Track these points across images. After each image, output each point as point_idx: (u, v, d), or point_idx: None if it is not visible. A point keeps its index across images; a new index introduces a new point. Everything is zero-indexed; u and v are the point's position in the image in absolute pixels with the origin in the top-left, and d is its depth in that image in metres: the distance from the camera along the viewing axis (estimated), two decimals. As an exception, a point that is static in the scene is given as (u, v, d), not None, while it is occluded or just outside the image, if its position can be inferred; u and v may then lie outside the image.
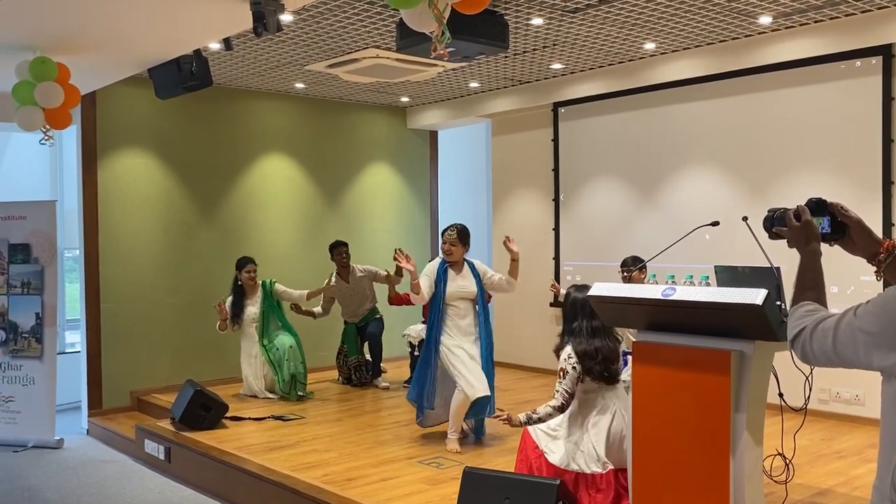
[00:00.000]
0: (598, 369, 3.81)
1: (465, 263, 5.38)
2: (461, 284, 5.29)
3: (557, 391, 3.81)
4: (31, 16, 4.41)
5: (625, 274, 5.75)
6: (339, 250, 7.44)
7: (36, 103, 4.94)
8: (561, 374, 3.83)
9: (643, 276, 5.66)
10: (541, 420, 3.84)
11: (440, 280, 5.27)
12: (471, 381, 5.08)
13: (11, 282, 6.67)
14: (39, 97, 4.91)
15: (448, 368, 5.19)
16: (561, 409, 3.82)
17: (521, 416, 3.85)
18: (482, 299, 5.39)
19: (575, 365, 3.80)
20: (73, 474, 5.71)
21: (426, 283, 5.24)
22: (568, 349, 3.86)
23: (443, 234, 5.42)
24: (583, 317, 3.86)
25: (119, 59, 5.51)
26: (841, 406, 5.93)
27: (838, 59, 5.84)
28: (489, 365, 5.30)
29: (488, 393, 5.14)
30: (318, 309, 7.38)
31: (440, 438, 5.48)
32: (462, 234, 5.35)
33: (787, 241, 1.95)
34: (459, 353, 5.19)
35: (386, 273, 7.18)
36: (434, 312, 5.28)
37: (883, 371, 1.61)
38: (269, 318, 7.01)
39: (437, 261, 5.43)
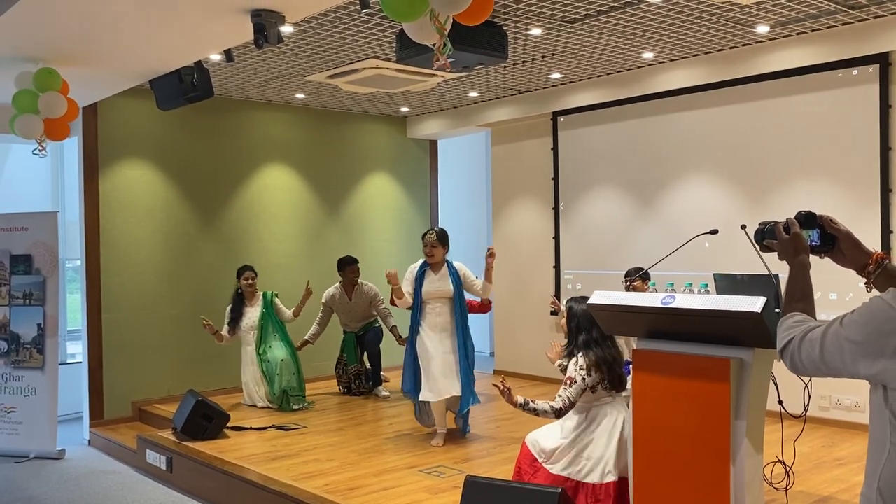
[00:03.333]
0: (613, 375, 3.80)
1: (445, 265, 5.64)
2: (438, 285, 5.59)
3: (560, 396, 3.77)
4: (34, 28, 4.45)
5: (628, 284, 5.74)
6: (351, 268, 7.39)
7: (36, 111, 4.98)
8: (568, 381, 3.78)
9: (646, 286, 5.65)
10: (535, 412, 3.79)
11: (419, 280, 5.60)
12: (431, 384, 5.44)
13: (13, 293, 6.69)
14: (43, 107, 4.95)
15: (420, 365, 5.53)
16: (558, 414, 3.78)
17: (520, 398, 3.83)
18: (460, 299, 5.63)
19: (585, 377, 3.76)
20: (74, 485, 5.71)
21: (407, 287, 5.59)
22: (581, 361, 3.80)
23: (423, 237, 5.67)
24: (593, 326, 3.81)
25: (120, 71, 5.54)
26: (841, 413, 5.94)
27: (835, 67, 5.88)
28: (466, 362, 5.54)
29: (453, 394, 5.47)
30: (308, 334, 7.37)
31: (441, 447, 5.50)
32: (441, 237, 5.64)
33: (778, 254, 1.98)
34: (433, 351, 5.48)
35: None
36: (413, 310, 5.62)
37: (869, 379, 1.65)
38: (267, 328, 7.03)
39: (418, 263, 5.71)
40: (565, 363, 3.93)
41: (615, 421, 3.80)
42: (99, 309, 7.11)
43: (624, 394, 3.94)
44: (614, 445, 3.75)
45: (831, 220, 1.95)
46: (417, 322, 5.59)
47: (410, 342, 5.64)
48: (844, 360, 1.65)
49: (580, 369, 3.78)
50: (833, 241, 1.95)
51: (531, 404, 3.80)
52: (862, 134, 5.81)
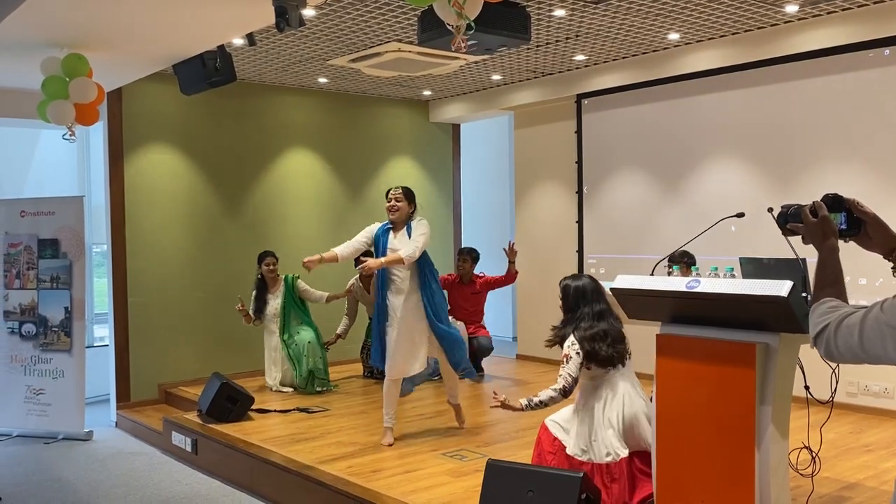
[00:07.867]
0: (608, 351, 3.80)
1: (406, 225, 5.25)
2: (394, 245, 5.21)
3: (561, 375, 3.82)
4: (57, 14, 4.47)
5: (669, 270, 5.60)
6: (361, 261, 7.37)
7: (66, 97, 5.02)
8: (565, 359, 3.83)
9: (689, 272, 5.50)
10: (542, 404, 3.81)
11: (380, 241, 5.29)
12: (390, 363, 5.19)
13: (41, 276, 6.77)
14: (73, 92, 4.98)
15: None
16: (564, 393, 3.80)
17: (522, 401, 3.85)
18: (422, 259, 5.24)
19: (578, 350, 3.80)
20: (102, 466, 5.80)
21: (352, 245, 5.34)
22: (571, 337, 3.85)
23: (387, 193, 5.34)
24: (585, 303, 3.89)
25: (144, 56, 5.56)
26: (869, 399, 5.86)
27: (865, 47, 5.75)
28: (434, 324, 5.23)
29: (410, 373, 5.24)
30: (340, 328, 7.45)
31: (464, 431, 5.51)
32: (407, 193, 5.29)
33: (803, 238, 1.93)
34: (395, 325, 5.18)
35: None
36: (379, 272, 5.28)
37: None
38: (289, 313, 7.05)
39: (379, 224, 5.38)
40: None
41: (621, 394, 3.81)
42: (125, 292, 7.18)
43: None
44: (627, 420, 3.76)
45: (858, 204, 1.91)
46: (382, 283, 5.26)
47: (377, 311, 5.30)
48: (886, 347, 1.60)
49: (572, 345, 3.83)
50: (860, 224, 1.90)
51: (535, 399, 3.82)
52: (893, 116, 5.69)
